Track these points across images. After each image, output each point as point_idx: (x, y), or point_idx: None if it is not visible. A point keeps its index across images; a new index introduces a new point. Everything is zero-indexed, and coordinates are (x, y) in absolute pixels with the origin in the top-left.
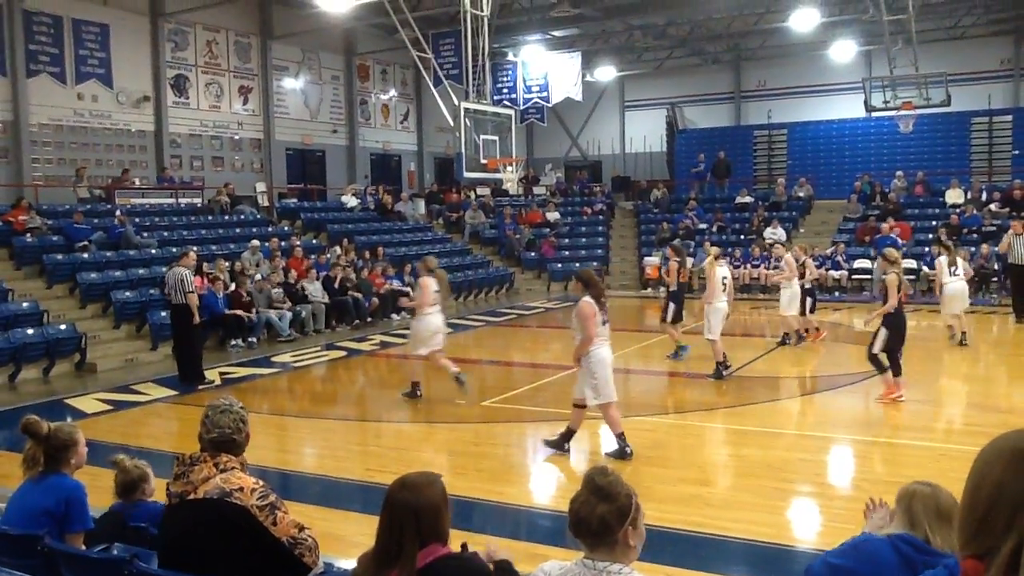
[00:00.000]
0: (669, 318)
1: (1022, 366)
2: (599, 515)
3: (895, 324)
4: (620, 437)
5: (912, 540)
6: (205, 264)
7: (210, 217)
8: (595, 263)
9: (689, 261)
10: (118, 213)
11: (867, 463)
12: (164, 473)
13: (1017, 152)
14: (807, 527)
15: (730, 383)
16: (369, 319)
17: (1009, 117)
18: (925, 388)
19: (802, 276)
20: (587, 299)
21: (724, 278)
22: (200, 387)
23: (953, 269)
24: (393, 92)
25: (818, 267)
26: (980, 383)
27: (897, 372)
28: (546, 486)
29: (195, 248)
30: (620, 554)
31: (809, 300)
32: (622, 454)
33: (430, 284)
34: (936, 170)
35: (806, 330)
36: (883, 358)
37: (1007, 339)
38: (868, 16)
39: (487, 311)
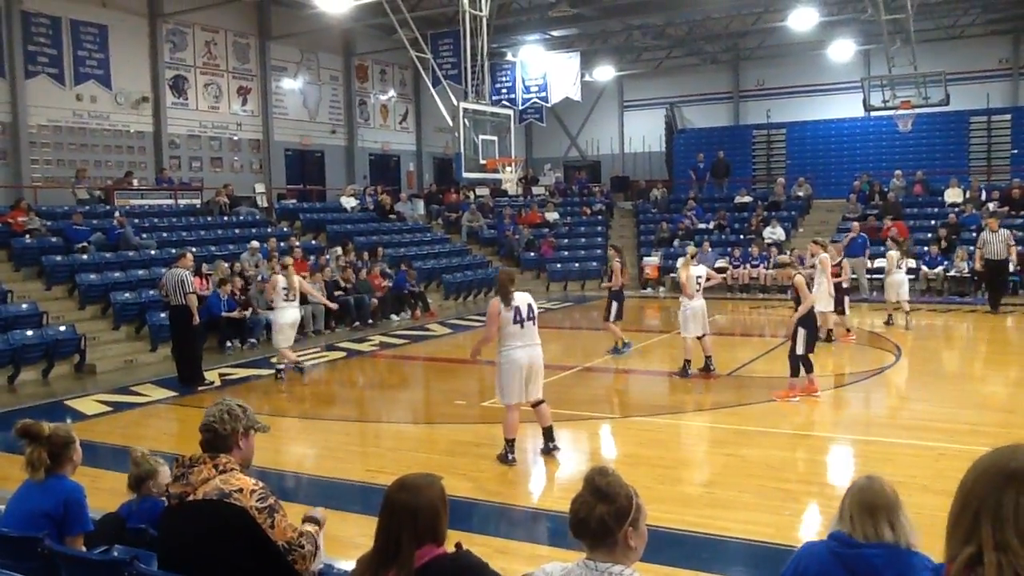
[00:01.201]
0: (612, 317)
1: (1021, 365)
2: (598, 516)
3: (811, 323)
4: (508, 443)
5: (839, 536)
6: (204, 265)
7: (209, 218)
8: (594, 263)
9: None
10: (117, 214)
11: (867, 463)
12: None
13: (1016, 151)
14: (807, 527)
15: (730, 382)
16: (370, 320)
17: (1008, 116)
18: (924, 387)
19: (838, 275)
20: (496, 299)
21: (699, 277)
22: (200, 388)
23: (900, 263)
24: (392, 92)
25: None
26: (979, 382)
27: (810, 369)
28: (546, 487)
29: (193, 249)
30: (621, 555)
31: (846, 299)
32: (504, 459)
33: (278, 281)
34: (935, 169)
35: (847, 329)
36: (811, 358)
37: (1005, 339)
38: (866, 16)
39: (486, 311)
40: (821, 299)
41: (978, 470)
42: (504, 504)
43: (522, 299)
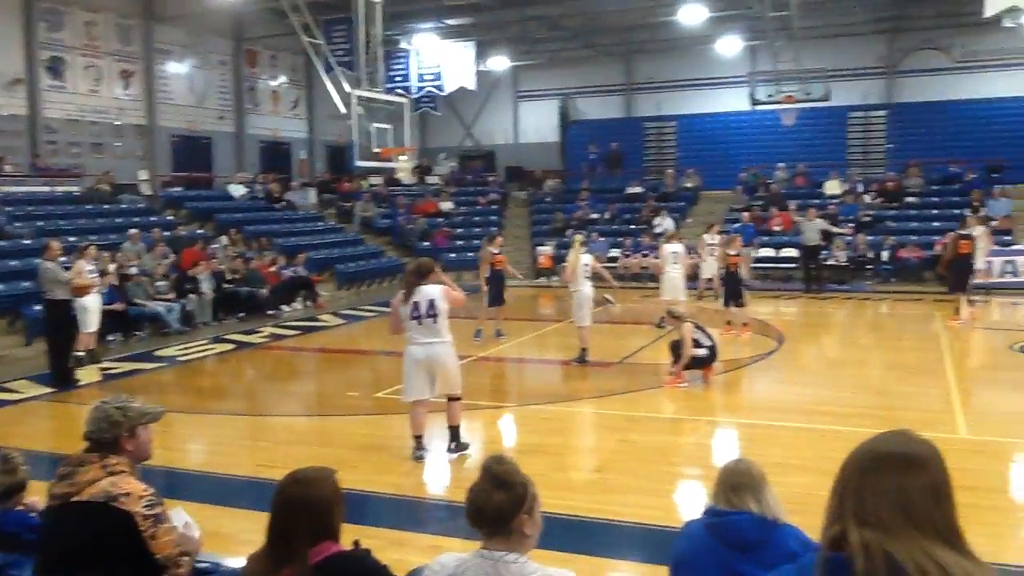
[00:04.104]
0: (489, 303)
1: (898, 349)
2: (495, 504)
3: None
4: (415, 439)
5: (711, 508)
6: None
7: (89, 207)
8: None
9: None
10: None
11: (752, 445)
12: (40, 476)
13: (891, 146)
14: (696, 509)
15: (621, 369)
16: (269, 312)
17: (883, 112)
18: (808, 372)
19: (737, 264)
20: (400, 292)
21: (585, 264)
22: (78, 384)
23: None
24: (283, 78)
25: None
26: (858, 367)
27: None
28: (443, 477)
29: (72, 238)
30: (516, 543)
31: (744, 291)
32: (415, 457)
33: (84, 265)
34: (816, 162)
35: (728, 323)
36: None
37: (881, 324)
38: (753, 12)
39: (380, 302)
40: (668, 286)
41: (852, 453)
42: (399, 495)
43: (425, 294)
